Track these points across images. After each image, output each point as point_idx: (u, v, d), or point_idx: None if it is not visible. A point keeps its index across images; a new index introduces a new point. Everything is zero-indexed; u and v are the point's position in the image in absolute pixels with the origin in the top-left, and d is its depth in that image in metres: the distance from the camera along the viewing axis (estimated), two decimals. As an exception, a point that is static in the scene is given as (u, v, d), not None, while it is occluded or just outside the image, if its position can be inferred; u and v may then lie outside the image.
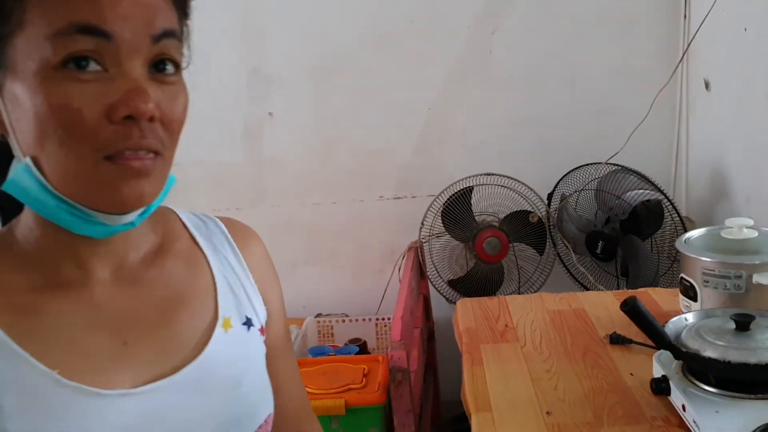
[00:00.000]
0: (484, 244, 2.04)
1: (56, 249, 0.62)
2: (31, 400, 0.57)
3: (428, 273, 2.19)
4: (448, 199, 2.11)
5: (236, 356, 0.69)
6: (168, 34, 0.58)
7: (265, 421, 0.70)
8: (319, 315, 2.28)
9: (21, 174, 0.58)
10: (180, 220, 0.75)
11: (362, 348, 1.99)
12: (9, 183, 0.59)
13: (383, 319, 2.17)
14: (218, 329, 0.68)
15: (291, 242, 2.43)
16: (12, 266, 0.62)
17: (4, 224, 0.66)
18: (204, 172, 2.40)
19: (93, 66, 0.54)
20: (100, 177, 0.56)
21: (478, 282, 2.08)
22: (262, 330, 0.74)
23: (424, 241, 2.18)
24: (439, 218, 2.12)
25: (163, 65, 0.58)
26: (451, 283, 2.15)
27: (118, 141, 0.55)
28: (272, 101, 2.33)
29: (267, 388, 0.72)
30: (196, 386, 0.65)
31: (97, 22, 0.53)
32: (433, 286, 2.19)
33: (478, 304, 1.61)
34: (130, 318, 0.64)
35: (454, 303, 2.17)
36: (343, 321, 2.19)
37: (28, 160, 0.57)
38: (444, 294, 2.18)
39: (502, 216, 2.10)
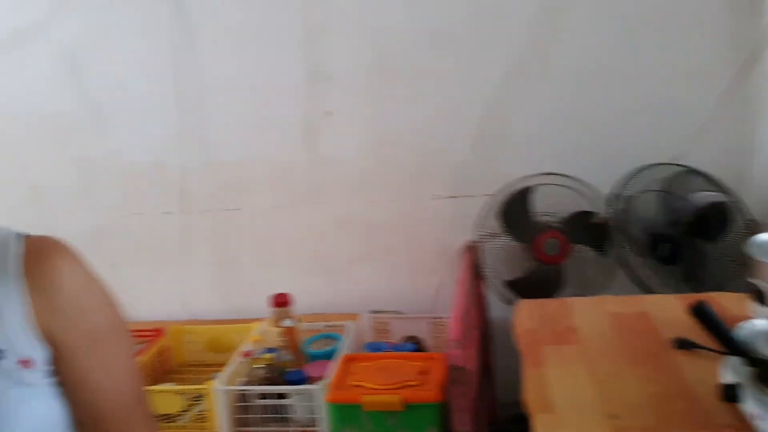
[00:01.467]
0: (544, 245, 2.02)
1: None
2: None
3: (484, 273, 2.18)
4: (506, 199, 2.09)
5: None
6: None
7: None
8: (373, 311, 2.29)
9: None
10: None
11: (418, 346, 1.99)
12: None
13: (438, 317, 2.17)
14: None
15: (347, 239, 2.44)
16: None
17: None
18: (264, 169, 2.44)
19: None
20: None
21: (537, 284, 2.06)
22: (24, 362, 0.73)
23: (480, 241, 2.17)
24: (496, 218, 2.11)
25: None
26: (509, 284, 2.13)
27: None
28: (331, 100, 2.35)
29: (4, 425, 0.71)
30: None
31: None
32: (490, 286, 2.18)
33: (539, 305, 1.59)
34: None
35: (511, 304, 2.16)
36: (398, 318, 2.20)
37: None
38: (501, 295, 2.17)
39: (561, 217, 2.08)
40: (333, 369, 1.80)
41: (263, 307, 2.07)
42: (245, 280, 2.52)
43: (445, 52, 2.23)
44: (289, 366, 1.92)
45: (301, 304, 2.14)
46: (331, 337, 2.09)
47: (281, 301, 2.04)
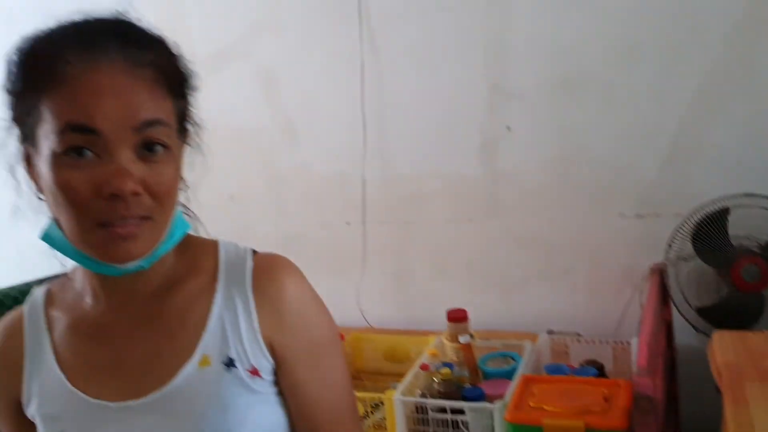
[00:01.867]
0: (742, 272, 1.88)
1: (90, 282, 0.81)
2: (49, 396, 0.79)
3: (673, 298, 2.06)
4: (700, 220, 1.97)
5: (205, 392, 0.77)
6: (152, 123, 0.71)
7: None
8: (551, 332, 2.23)
9: (50, 228, 0.77)
10: (217, 257, 0.84)
11: (600, 371, 1.91)
12: (44, 235, 0.77)
13: (621, 342, 2.07)
14: (191, 364, 0.78)
15: (524, 256, 2.41)
16: (72, 295, 0.84)
17: None
18: (441, 182, 2.47)
19: (88, 154, 0.69)
20: (95, 240, 0.71)
21: (733, 312, 1.91)
22: (253, 372, 0.79)
23: (669, 263, 2.05)
24: (689, 240, 1.99)
25: (151, 147, 0.72)
26: (701, 311, 2.00)
27: (106, 213, 0.70)
28: (511, 115, 2.33)
29: (234, 427, 0.77)
30: (161, 411, 0.76)
31: (84, 121, 0.68)
32: (679, 312, 2.05)
33: (740, 338, 1.48)
34: (129, 342, 0.79)
35: (702, 332, 2.03)
36: (578, 341, 2.13)
37: (53, 222, 0.76)
38: (691, 322, 2.04)
39: (763, 241, 1.92)
40: (512, 388, 1.77)
41: (438, 319, 2.08)
42: (420, 292, 2.56)
43: (636, 66, 2.14)
44: (466, 382, 1.92)
45: (475, 319, 2.14)
46: (507, 356, 2.06)
47: (458, 317, 2.05)
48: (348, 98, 2.47)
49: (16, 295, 2.91)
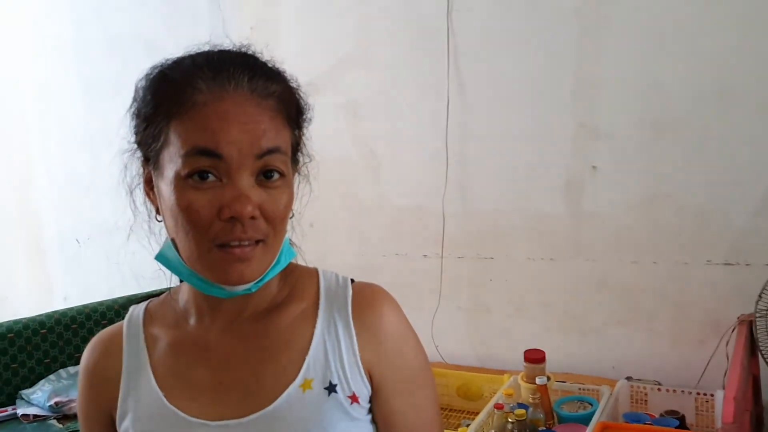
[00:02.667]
0: (840, 328, 1.78)
1: (195, 302, 0.84)
2: (144, 412, 0.81)
3: (762, 351, 1.97)
4: (795, 272, 1.88)
5: (306, 415, 0.77)
6: (271, 151, 0.75)
7: None
8: (629, 378, 2.17)
9: (166, 249, 0.79)
10: (318, 281, 0.87)
11: (681, 422, 1.84)
12: (159, 255, 0.80)
13: (704, 394, 1.99)
14: (294, 388, 0.78)
15: (604, 299, 2.36)
16: (172, 314, 0.86)
17: None
18: (522, 219, 2.45)
19: (211, 178, 0.73)
20: (212, 260, 0.74)
21: (829, 370, 1.81)
22: (353, 398, 0.80)
23: (759, 315, 1.97)
24: (782, 292, 1.90)
25: (269, 174, 0.75)
26: (792, 367, 1.91)
27: (225, 234, 0.73)
28: (597, 155, 2.30)
29: None
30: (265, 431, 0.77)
31: (211, 146, 0.72)
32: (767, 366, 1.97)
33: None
34: (230, 363, 0.81)
35: (794, 389, 1.93)
36: (658, 389, 2.05)
37: (169, 240, 0.78)
38: (781, 377, 1.95)
39: None
40: (588, 434, 1.73)
41: (512, 358, 2.06)
42: (496, 329, 2.53)
43: (729, 111, 2.09)
44: (540, 425, 1.88)
45: (550, 361, 2.10)
46: (584, 401, 2.01)
47: (536, 357, 2.02)
48: (432, 132, 2.49)
49: (119, 309, 3.04)
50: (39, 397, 2.70)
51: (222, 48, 0.80)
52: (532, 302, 2.47)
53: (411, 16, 2.51)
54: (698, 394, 2.01)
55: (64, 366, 2.91)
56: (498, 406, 1.87)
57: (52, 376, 2.84)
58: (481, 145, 2.48)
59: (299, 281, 0.87)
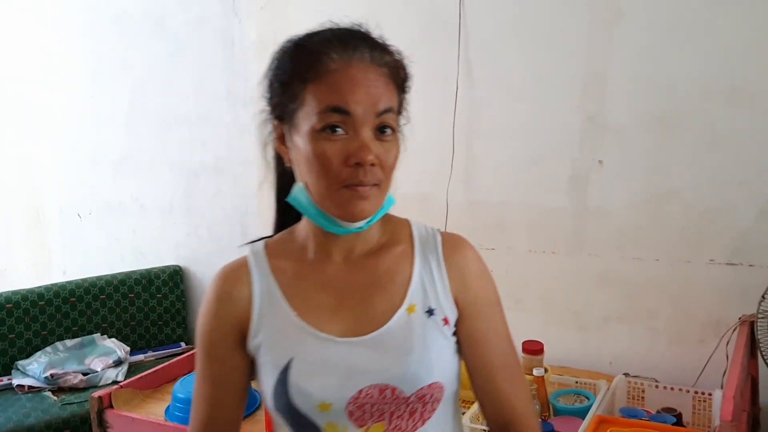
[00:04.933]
0: (841, 332, 1.77)
1: (315, 240, 0.99)
2: (277, 326, 0.96)
3: (762, 353, 1.97)
4: (799, 274, 1.87)
5: (412, 333, 0.95)
6: (387, 110, 0.91)
7: (429, 386, 0.94)
8: (626, 374, 2.16)
9: (298, 192, 0.96)
10: (410, 230, 1.04)
11: (678, 419, 1.84)
12: (291, 197, 0.97)
13: (702, 393, 1.98)
14: (402, 311, 0.96)
15: (605, 295, 2.35)
16: (292, 249, 1.02)
17: (281, 228, 1.08)
18: (526, 212, 2.44)
19: (340, 131, 0.89)
20: (339, 198, 0.90)
21: (828, 373, 1.81)
22: (446, 321, 0.98)
23: (761, 316, 1.96)
24: (785, 294, 1.89)
25: (384, 129, 0.91)
26: (792, 369, 1.90)
27: (351, 177, 0.89)
28: (604, 149, 2.29)
29: (433, 363, 0.94)
30: (378, 347, 0.94)
31: (342, 105, 0.88)
32: (766, 367, 1.96)
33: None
34: (347, 289, 0.98)
35: (792, 391, 1.93)
36: (656, 386, 2.05)
37: (301, 184, 0.95)
38: (780, 379, 1.94)
39: None
40: (584, 428, 1.72)
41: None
42: (494, 321, 2.52)
43: (738, 108, 2.08)
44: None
45: (548, 354, 2.09)
46: (580, 394, 2.00)
47: (534, 349, 2.01)
48: (439, 121, 2.48)
49: (117, 284, 3.04)
50: (35, 369, 2.70)
51: (343, 26, 0.95)
52: (533, 295, 2.46)
53: (423, 3, 2.49)
54: (696, 392, 2.00)
55: (61, 339, 2.91)
56: (494, 396, 1.86)
57: (48, 348, 2.84)
58: (487, 136, 2.47)
59: (396, 229, 1.04)
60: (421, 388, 0.93)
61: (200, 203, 3.13)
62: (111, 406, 2.23)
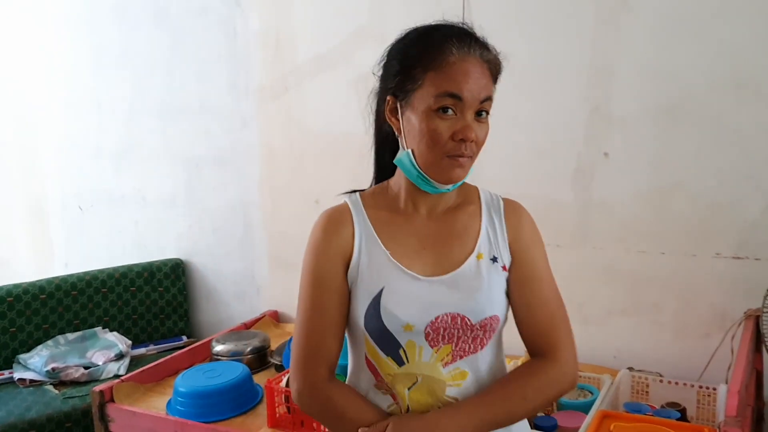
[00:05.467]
0: None
1: (406, 195, 1.21)
2: (373, 261, 1.18)
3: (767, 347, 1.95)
4: (806, 268, 1.85)
5: (480, 275, 1.17)
6: (487, 99, 1.13)
7: (490, 317, 1.16)
8: (631, 369, 2.15)
9: (405, 156, 1.16)
10: (478, 194, 1.26)
11: (682, 414, 1.82)
12: (398, 160, 1.18)
13: (706, 387, 1.97)
14: (472, 257, 1.19)
15: (609, 289, 2.33)
16: (384, 201, 1.23)
17: (379, 181, 1.29)
18: (530, 205, 2.38)
19: (450, 112, 1.11)
20: (442, 165, 1.12)
21: (835, 369, 1.79)
22: (504, 267, 1.20)
23: (767, 310, 1.94)
24: (791, 288, 1.87)
25: (481, 113, 1.13)
26: (798, 364, 1.88)
27: (454, 150, 1.11)
28: (609, 142, 2.27)
29: (494, 299, 1.17)
30: (453, 285, 1.16)
31: (457, 92, 1.09)
32: (774, 362, 1.94)
33: None
34: (430, 236, 1.20)
35: (798, 386, 1.91)
36: (660, 381, 2.03)
37: (409, 151, 1.15)
38: (786, 374, 1.92)
39: None
40: (587, 422, 1.71)
41: (514, 342, 2.03)
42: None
43: (745, 100, 2.06)
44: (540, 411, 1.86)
45: (552, 347, 2.08)
46: (584, 389, 1.99)
47: (537, 342, 1.99)
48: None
49: (119, 278, 3.03)
50: (36, 362, 2.69)
51: (456, 24, 1.16)
52: (536, 288, 2.44)
53: (427, -8, 2.46)
54: (700, 387, 1.99)
55: (62, 332, 2.90)
56: (498, 390, 1.85)
57: (50, 342, 2.83)
58: (492, 128, 2.43)
59: (468, 192, 1.26)
60: (485, 319, 1.16)
61: (202, 195, 3.12)
62: (112, 400, 2.22)
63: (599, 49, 2.24)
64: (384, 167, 1.25)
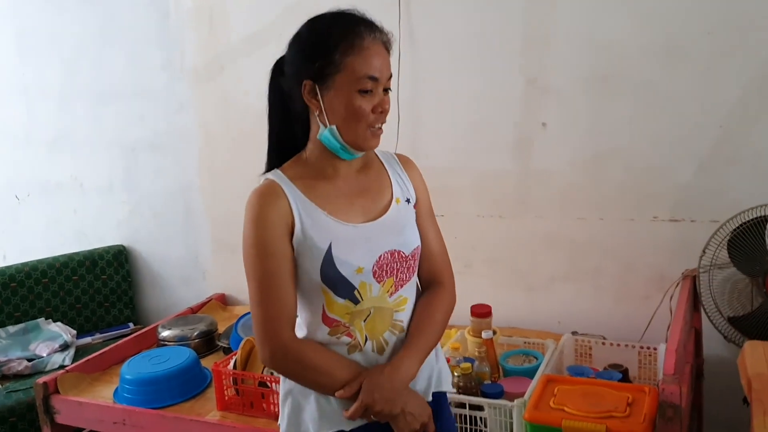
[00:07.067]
0: (777, 282, 1.82)
1: (326, 162, 1.34)
2: (315, 222, 1.29)
3: (705, 306, 2.01)
4: (737, 227, 1.92)
5: (402, 216, 1.37)
6: (390, 76, 1.30)
7: (416, 247, 1.37)
8: (574, 333, 2.19)
9: (328, 132, 1.29)
10: (376, 155, 1.43)
11: (624, 375, 1.87)
12: (323, 136, 1.30)
13: (647, 348, 2.03)
14: (393, 203, 1.38)
15: (551, 256, 2.37)
16: (305, 170, 1.34)
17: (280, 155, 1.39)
18: (471, 178, 2.44)
19: (369, 91, 1.25)
20: (366, 137, 1.29)
21: (766, 323, 1.86)
22: (414, 205, 1.41)
23: (703, 270, 2.01)
24: (725, 248, 1.94)
25: (387, 90, 1.30)
26: (732, 321, 1.95)
27: (375, 121, 1.28)
28: (547, 112, 2.29)
29: (415, 232, 1.38)
30: (384, 227, 1.34)
31: (376, 74, 1.25)
32: (710, 320, 2.01)
33: (774, 348, 1.43)
34: (354, 192, 1.35)
35: (733, 342, 1.99)
36: (602, 343, 2.08)
37: (333, 127, 1.28)
38: (721, 331, 1.99)
39: (801, 252, 1.86)
40: (532, 387, 1.74)
41: (459, 312, 2.04)
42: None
43: (677, 68, 2.10)
44: (486, 378, 1.89)
45: (497, 316, 2.11)
46: (529, 354, 2.03)
47: (482, 312, 2.02)
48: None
49: (60, 267, 2.94)
50: (-25, 358, 2.61)
51: (353, 11, 1.29)
52: (480, 258, 2.47)
53: (361, -34, 2.43)
54: (641, 347, 2.05)
55: (3, 325, 2.82)
56: (444, 361, 1.87)
57: (-11, 336, 2.75)
58: (432, 103, 2.45)
59: (368, 154, 1.41)
60: (414, 249, 1.36)
61: (141, 180, 3.05)
62: (57, 392, 2.17)
63: (533, 20, 2.25)
64: (288, 141, 1.37)
